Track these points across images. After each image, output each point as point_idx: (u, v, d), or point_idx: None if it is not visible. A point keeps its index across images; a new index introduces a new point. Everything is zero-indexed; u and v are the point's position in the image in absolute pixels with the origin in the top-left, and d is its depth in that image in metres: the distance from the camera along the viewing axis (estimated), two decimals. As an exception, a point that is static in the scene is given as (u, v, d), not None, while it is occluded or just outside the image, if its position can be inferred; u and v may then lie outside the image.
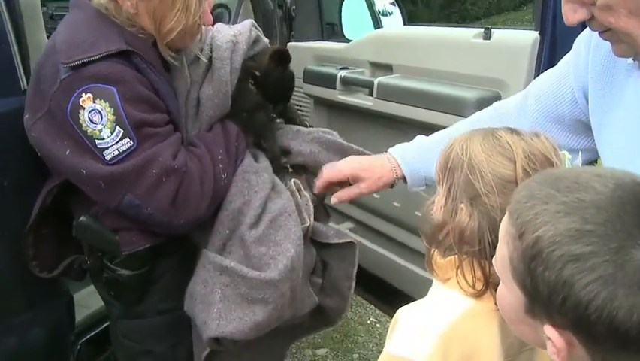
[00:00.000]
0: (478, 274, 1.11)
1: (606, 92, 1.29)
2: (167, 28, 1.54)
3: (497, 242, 0.98)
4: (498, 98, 1.95)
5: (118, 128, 1.46)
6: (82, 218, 1.66)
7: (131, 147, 1.47)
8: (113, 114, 1.45)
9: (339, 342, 3.39)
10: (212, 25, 1.78)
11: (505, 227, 0.87)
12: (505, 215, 0.88)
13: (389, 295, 2.53)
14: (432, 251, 1.21)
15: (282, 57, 1.80)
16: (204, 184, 1.58)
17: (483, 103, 1.94)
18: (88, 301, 2.29)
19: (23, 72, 1.76)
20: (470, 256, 1.12)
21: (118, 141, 1.46)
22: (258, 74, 1.76)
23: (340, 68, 2.56)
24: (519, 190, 0.87)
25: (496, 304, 1.08)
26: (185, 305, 1.69)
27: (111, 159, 1.47)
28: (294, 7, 3.05)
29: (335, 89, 2.54)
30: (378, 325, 3.56)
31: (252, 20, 1.88)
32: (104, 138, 1.46)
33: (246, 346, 1.68)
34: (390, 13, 3.36)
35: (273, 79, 1.78)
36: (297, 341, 3.27)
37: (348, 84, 2.51)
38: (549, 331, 0.79)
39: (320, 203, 1.94)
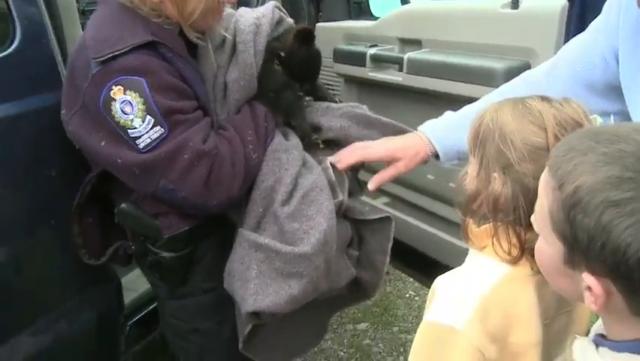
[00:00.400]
0: (514, 240, 1.14)
1: (637, 53, 1.29)
2: (189, 10, 1.58)
3: (531, 209, 1.01)
4: (528, 67, 1.95)
5: (149, 117, 1.51)
6: (123, 205, 1.73)
7: (162, 134, 1.52)
8: (143, 104, 1.50)
9: (379, 316, 3.44)
10: (237, 6, 1.83)
11: (544, 180, 0.89)
12: (545, 169, 0.89)
13: (427, 267, 2.55)
14: (467, 221, 1.24)
15: (306, 36, 1.81)
16: (236, 165, 1.62)
17: (512, 73, 1.94)
18: (135, 284, 2.37)
19: (64, 66, 1.82)
20: (505, 224, 1.15)
21: (149, 130, 1.51)
22: (282, 54, 1.78)
23: (370, 46, 2.58)
24: (559, 145, 0.89)
25: (532, 268, 1.12)
26: (225, 283, 1.73)
27: (144, 147, 1.52)
28: (319, -13, 3.06)
29: (365, 66, 2.56)
30: (417, 298, 3.60)
31: (275, 2, 1.91)
32: (136, 128, 1.51)
33: (287, 319, 1.72)
34: (416, -12, 3.35)
35: (298, 58, 1.79)
36: (337, 317, 3.35)
37: (378, 61, 2.53)
38: (587, 278, 0.81)
39: (354, 177, 1.97)
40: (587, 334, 1.00)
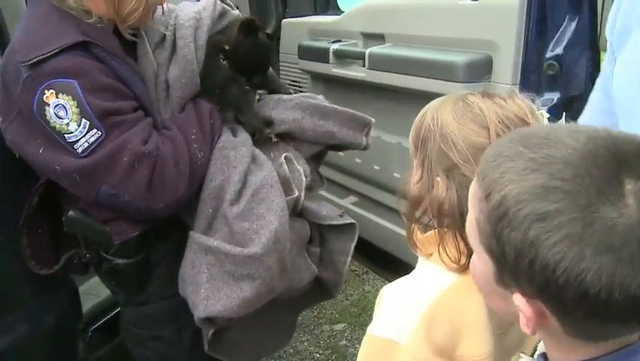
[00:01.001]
0: (462, 246, 1.07)
1: None
2: (126, 11, 1.53)
3: None
4: (489, 60, 1.92)
5: (84, 120, 1.46)
6: (70, 213, 1.67)
7: (99, 137, 1.48)
8: (77, 107, 1.45)
9: (357, 316, 3.39)
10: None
11: (472, 189, 0.82)
12: (474, 177, 0.83)
13: (401, 268, 2.50)
14: (412, 227, 1.17)
15: (250, 27, 1.75)
16: (179, 165, 1.57)
17: (473, 67, 1.92)
18: (97, 290, 2.32)
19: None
20: (452, 230, 1.08)
21: (86, 133, 1.47)
22: (227, 47, 1.73)
23: (332, 42, 2.53)
24: (488, 150, 0.81)
25: None
26: (179, 288, 1.69)
27: (82, 152, 1.48)
28: (286, -18, 3.01)
29: (328, 62, 2.52)
30: (395, 297, 3.55)
31: None
32: (72, 132, 1.46)
33: (251, 319, 1.68)
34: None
35: (244, 50, 1.74)
36: (314, 317, 3.30)
37: (341, 57, 2.49)
38: (517, 299, 0.75)
39: (315, 170, 1.93)
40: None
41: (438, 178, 1.08)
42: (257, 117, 1.80)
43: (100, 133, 1.48)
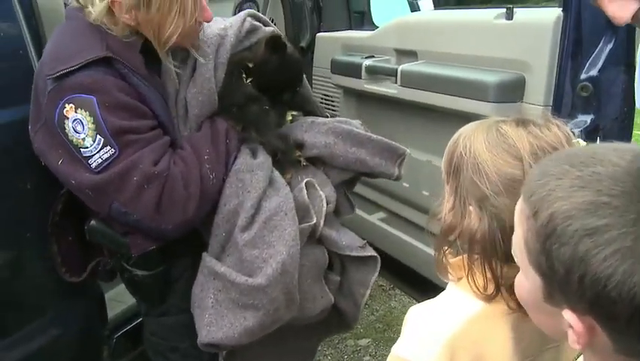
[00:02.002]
0: (489, 275, 1.06)
1: None
2: (166, 35, 1.54)
3: (509, 245, 0.95)
4: (522, 80, 1.90)
5: (98, 136, 1.48)
6: (92, 222, 1.70)
7: (112, 154, 1.50)
8: (93, 123, 1.48)
9: (382, 332, 3.35)
10: None
11: (519, 208, 0.83)
12: (520, 196, 0.83)
13: (428, 286, 2.48)
14: (442, 252, 1.16)
15: (276, 44, 1.74)
16: (190, 186, 1.57)
17: (504, 87, 1.90)
18: (123, 297, 2.31)
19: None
20: (481, 258, 1.07)
21: (100, 149, 1.49)
22: (250, 65, 1.72)
23: (365, 57, 2.53)
24: (533, 170, 0.83)
25: (509, 306, 1.05)
26: (191, 306, 1.69)
27: (96, 167, 1.50)
28: (321, -4, 3.03)
29: (361, 78, 2.51)
30: (422, 314, 3.51)
31: (251, 10, 1.86)
32: (87, 147, 1.49)
33: (267, 343, 1.67)
34: (421, -3, 3.29)
35: (271, 67, 1.73)
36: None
37: (373, 73, 2.48)
38: (567, 315, 0.74)
39: (345, 195, 1.91)
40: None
41: (470, 208, 1.07)
42: (279, 138, 1.77)
43: (113, 150, 1.50)
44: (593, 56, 1.82)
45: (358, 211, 2.55)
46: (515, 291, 0.90)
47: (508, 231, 0.96)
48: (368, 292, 1.82)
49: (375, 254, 1.82)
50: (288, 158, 1.77)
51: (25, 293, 1.84)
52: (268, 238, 1.59)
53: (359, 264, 1.82)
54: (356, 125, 1.87)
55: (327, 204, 1.73)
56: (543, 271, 0.76)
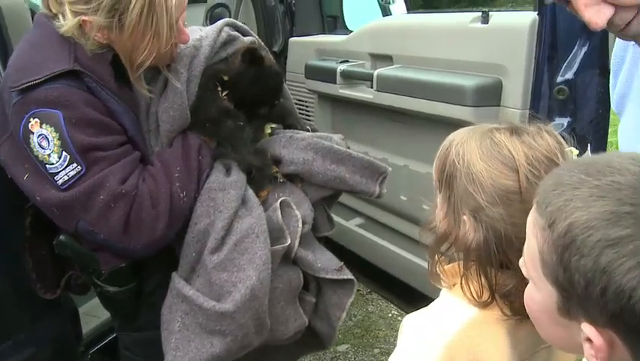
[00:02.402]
0: (484, 283, 1.04)
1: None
2: (139, 60, 1.49)
3: (504, 253, 0.95)
4: (499, 84, 1.89)
5: (64, 153, 1.43)
6: (61, 237, 1.63)
7: (79, 172, 1.45)
8: (59, 139, 1.43)
9: (360, 337, 3.34)
10: None
11: (532, 219, 0.81)
12: (533, 207, 0.81)
13: (405, 290, 2.48)
14: (436, 259, 1.15)
15: (252, 56, 1.67)
16: (159, 205, 1.52)
17: (482, 91, 1.89)
18: (98, 311, 2.29)
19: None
20: (476, 265, 1.06)
21: (66, 167, 1.44)
22: (225, 77, 1.66)
23: (340, 62, 2.51)
24: (546, 179, 0.81)
25: (503, 312, 1.04)
26: (161, 327, 1.64)
27: (62, 184, 1.45)
28: (294, 1, 3.00)
29: (336, 83, 2.49)
30: (399, 318, 3.50)
31: (229, 19, 1.81)
32: (53, 163, 1.44)
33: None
34: (393, 1, 3.28)
35: (247, 80, 1.67)
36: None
37: (349, 78, 2.46)
38: (587, 328, 0.72)
39: (323, 212, 1.87)
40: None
41: (465, 217, 1.06)
42: (255, 154, 1.70)
43: (80, 168, 1.45)
44: (568, 59, 1.83)
45: (336, 217, 2.54)
46: (525, 304, 0.88)
47: (503, 240, 0.96)
48: (344, 315, 1.78)
49: (352, 277, 1.77)
50: (264, 174, 1.70)
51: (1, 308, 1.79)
52: (238, 260, 1.54)
53: (336, 286, 1.77)
54: (336, 141, 1.81)
55: (304, 225, 1.68)
56: (560, 284, 0.74)
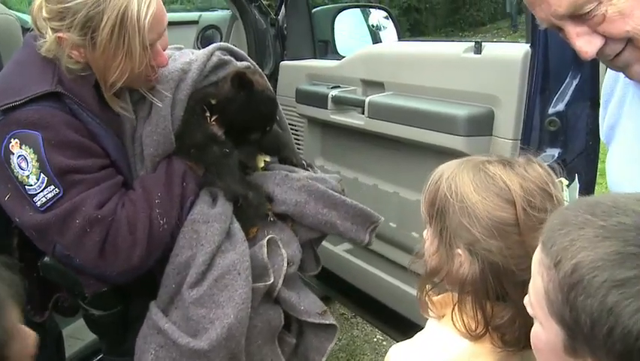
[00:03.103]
0: (479, 315, 1.04)
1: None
2: (112, 79, 1.48)
3: (500, 285, 0.95)
4: (491, 114, 1.91)
5: (42, 175, 1.43)
6: (46, 259, 1.61)
7: (57, 194, 1.44)
8: (37, 161, 1.42)
9: (345, 362, 3.32)
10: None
11: (538, 258, 0.81)
12: (538, 246, 0.81)
13: (391, 316, 2.47)
14: (425, 290, 1.14)
15: (242, 80, 1.63)
16: (136, 232, 1.50)
17: (474, 120, 1.90)
18: (82, 333, 2.25)
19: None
20: (472, 296, 1.05)
21: (44, 188, 1.43)
22: (214, 101, 1.63)
23: (332, 87, 2.51)
24: (552, 219, 0.81)
25: (495, 345, 1.03)
26: (134, 357, 1.61)
27: (41, 206, 1.44)
28: (285, 24, 3.00)
29: (327, 108, 2.49)
30: (384, 343, 3.48)
31: (224, 43, 1.80)
32: (32, 185, 1.44)
33: None
34: (384, 28, 3.31)
35: (237, 105, 1.63)
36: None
37: (340, 103, 2.46)
38: None
39: (311, 251, 1.86)
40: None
41: (459, 251, 1.05)
42: (240, 182, 1.67)
43: (57, 190, 1.44)
44: (560, 91, 1.85)
45: (324, 242, 2.53)
46: (531, 343, 0.87)
47: (501, 272, 0.96)
48: (324, 359, 1.75)
49: (335, 323, 1.75)
50: (257, 212, 1.67)
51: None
52: (217, 297, 1.51)
53: (317, 330, 1.75)
54: (332, 185, 1.79)
55: (290, 265, 1.66)
56: (566, 323, 0.74)
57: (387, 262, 2.42)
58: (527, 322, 0.94)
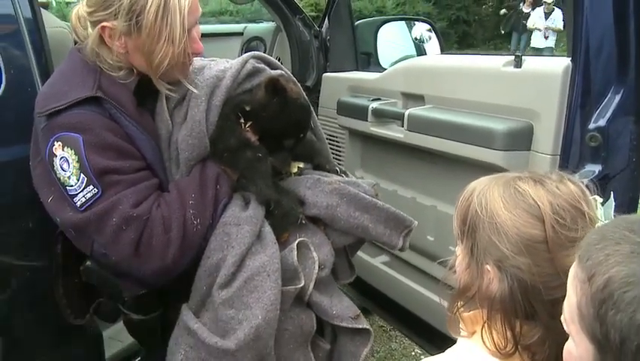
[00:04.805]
0: (508, 334, 1.03)
1: None
2: (157, 61, 1.53)
3: (529, 303, 0.95)
4: (530, 129, 1.89)
5: (82, 175, 1.48)
6: (88, 263, 1.67)
7: (95, 194, 1.49)
8: (77, 162, 1.48)
9: (382, 375, 3.30)
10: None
11: (574, 272, 0.81)
12: (575, 260, 0.81)
13: (428, 330, 2.45)
14: (456, 306, 1.14)
15: (275, 87, 1.64)
16: (171, 232, 1.53)
17: (513, 135, 1.88)
18: (121, 335, 2.28)
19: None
20: (501, 314, 1.05)
21: (83, 189, 1.49)
22: (248, 108, 1.65)
23: (372, 100, 2.52)
24: (590, 234, 0.81)
25: None
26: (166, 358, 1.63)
27: (80, 206, 1.50)
28: (328, 37, 3.03)
29: (367, 120, 2.50)
30: (422, 356, 3.45)
31: (257, 52, 1.82)
32: (72, 185, 1.49)
33: None
34: (428, 40, 3.31)
35: (271, 112, 1.64)
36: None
37: (380, 116, 2.47)
38: None
39: (345, 259, 1.85)
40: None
41: (488, 267, 1.05)
42: (276, 189, 1.67)
43: (96, 190, 1.49)
44: (601, 106, 1.81)
45: (362, 254, 2.54)
46: (564, 358, 0.87)
47: (529, 290, 0.94)
48: None
49: (369, 327, 1.73)
50: (289, 218, 1.66)
51: (24, 334, 1.81)
52: (246, 298, 1.51)
53: (352, 334, 1.73)
54: (365, 188, 1.78)
55: (322, 268, 1.65)
56: (597, 339, 0.74)
57: (424, 275, 2.41)
58: (558, 342, 0.94)
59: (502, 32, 14.57)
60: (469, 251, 1.08)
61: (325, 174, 1.80)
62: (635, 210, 1.89)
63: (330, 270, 1.70)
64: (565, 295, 0.84)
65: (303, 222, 1.68)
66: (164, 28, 1.50)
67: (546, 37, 12.46)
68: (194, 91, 1.63)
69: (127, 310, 1.69)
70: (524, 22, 13.16)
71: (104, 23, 1.51)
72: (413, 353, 3.49)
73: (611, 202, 1.57)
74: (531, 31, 12.87)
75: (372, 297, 2.73)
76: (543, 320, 1.00)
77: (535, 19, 12.69)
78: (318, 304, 1.67)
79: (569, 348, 0.83)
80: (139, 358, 2.18)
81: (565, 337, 0.85)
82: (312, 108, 1.80)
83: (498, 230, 1.03)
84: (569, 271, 0.84)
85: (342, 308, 1.71)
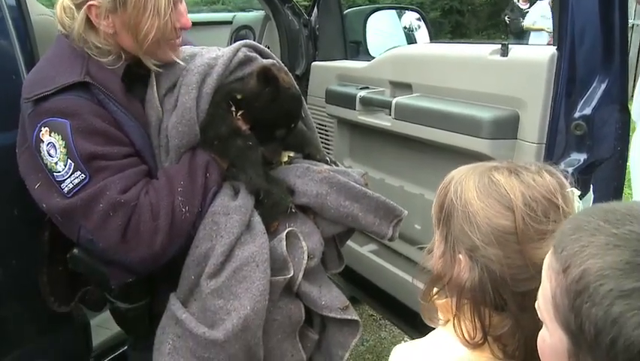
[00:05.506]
0: (477, 323, 1.04)
1: None
2: (143, 34, 1.53)
3: (499, 294, 0.95)
4: (516, 117, 1.89)
5: (69, 161, 1.48)
6: (74, 251, 1.66)
7: (83, 180, 1.49)
8: (65, 147, 1.47)
9: (371, 363, 3.32)
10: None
11: (548, 262, 0.81)
12: (550, 250, 0.81)
13: (417, 318, 2.46)
14: (430, 295, 1.15)
15: (267, 76, 1.64)
16: (159, 218, 1.53)
17: (499, 123, 1.89)
18: (109, 323, 2.29)
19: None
20: (470, 304, 1.05)
21: (71, 174, 1.48)
22: (239, 96, 1.64)
23: (360, 88, 2.52)
24: (566, 223, 0.80)
25: (495, 355, 1.03)
26: (153, 347, 1.63)
27: (68, 192, 1.49)
28: (317, 25, 3.02)
29: (355, 109, 2.50)
30: (412, 345, 3.47)
31: (249, 41, 1.81)
32: (59, 171, 1.49)
33: None
34: (417, 29, 3.31)
35: (262, 101, 1.64)
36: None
37: (368, 104, 2.47)
38: None
39: (334, 248, 1.85)
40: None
41: (460, 256, 1.05)
42: (264, 177, 1.66)
43: (84, 176, 1.49)
44: (586, 94, 1.81)
45: (350, 243, 2.54)
46: (538, 348, 0.87)
47: (500, 281, 0.95)
48: (347, 354, 1.73)
49: (357, 318, 1.73)
50: (279, 207, 1.66)
51: (10, 321, 1.82)
52: (235, 288, 1.51)
53: (341, 325, 1.73)
54: (354, 178, 1.78)
55: (311, 258, 1.65)
56: (571, 330, 0.74)
57: (412, 263, 2.42)
58: (528, 334, 0.94)
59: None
60: (444, 239, 1.09)
61: (315, 163, 1.79)
62: (620, 199, 1.90)
63: (319, 259, 1.70)
64: (536, 288, 0.84)
65: (293, 210, 1.67)
66: (149, 1, 1.50)
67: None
68: (181, 64, 1.64)
69: (113, 298, 1.69)
70: (521, 20, 10.83)
71: (90, 2, 1.50)
72: (402, 342, 3.50)
73: (590, 196, 1.57)
74: (529, 32, 10.49)
75: (361, 286, 2.73)
76: (513, 312, 1.00)
77: (536, 17, 10.41)
78: (307, 295, 1.67)
79: (543, 336, 0.83)
80: (126, 346, 2.18)
81: (536, 329, 0.85)
82: (302, 98, 1.79)
83: (470, 219, 1.03)
84: (538, 263, 0.84)
85: (330, 299, 1.70)
